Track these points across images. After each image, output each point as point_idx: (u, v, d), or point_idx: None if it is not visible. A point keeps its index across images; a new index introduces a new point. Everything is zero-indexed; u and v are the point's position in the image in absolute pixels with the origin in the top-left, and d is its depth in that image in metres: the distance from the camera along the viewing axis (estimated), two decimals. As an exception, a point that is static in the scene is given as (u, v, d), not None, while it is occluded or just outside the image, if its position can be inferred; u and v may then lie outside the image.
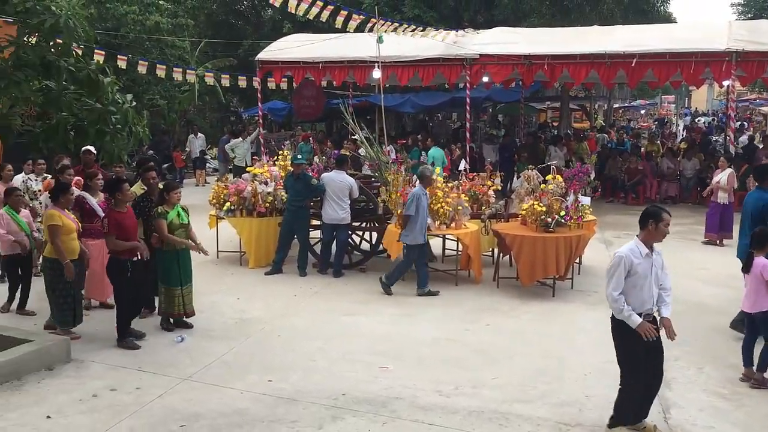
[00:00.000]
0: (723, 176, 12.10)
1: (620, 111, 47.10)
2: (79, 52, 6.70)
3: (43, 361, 6.52)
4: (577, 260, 9.95)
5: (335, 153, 13.76)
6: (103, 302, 8.39)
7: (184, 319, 7.80)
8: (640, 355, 5.20)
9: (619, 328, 5.27)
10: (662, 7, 26.14)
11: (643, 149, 20.37)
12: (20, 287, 8.33)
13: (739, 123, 29.60)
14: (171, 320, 7.78)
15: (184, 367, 6.70)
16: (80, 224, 7.70)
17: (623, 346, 5.30)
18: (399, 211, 9.46)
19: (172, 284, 7.57)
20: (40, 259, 9.85)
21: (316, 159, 12.89)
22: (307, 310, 8.68)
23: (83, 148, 9.45)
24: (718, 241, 12.19)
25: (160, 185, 8.12)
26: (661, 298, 5.29)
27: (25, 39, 6.36)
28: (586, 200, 9.94)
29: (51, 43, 6.39)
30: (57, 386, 6.20)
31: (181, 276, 7.61)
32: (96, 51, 16.17)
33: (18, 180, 9.78)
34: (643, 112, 54.10)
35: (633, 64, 14.33)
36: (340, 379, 6.44)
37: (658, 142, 22.00)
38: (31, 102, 6.78)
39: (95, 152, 9.87)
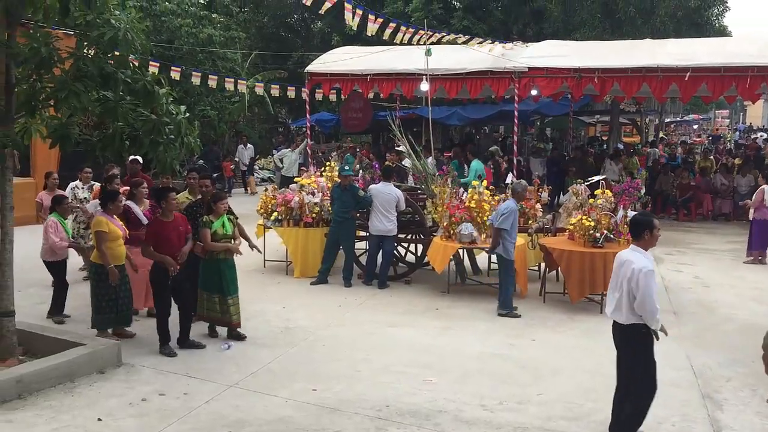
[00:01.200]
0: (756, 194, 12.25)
1: (672, 126, 46.21)
2: (136, 63, 6.85)
3: (95, 364, 6.68)
4: (626, 277, 9.75)
5: (376, 165, 13.82)
6: (151, 309, 8.48)
7: (231, 330, 7.84)
8: (652, 362, 5.29)
9: (643, 339, 5.25)
10: (717, 21, 25.56)
11: (696, 165, 19.95)
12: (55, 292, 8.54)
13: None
14: (215, 327, 7.87)
15: (230, 374, 6.79)
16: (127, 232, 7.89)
17: (646, 358, 5.28)
18: (485, 223, 9.39)
19: (212, 290, 7.68)
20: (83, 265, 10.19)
21: (357, 167, 12.94)
22: (352, 320, 8.72)
23: (130, 158, 9.67)
24: (759, 258, 12.06)
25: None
26: None
27: (84, 51, 6.54)
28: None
29: (109, 55, 6.56)
30: (108, 389, 6.35)
31: (224, 286, 7.66)
32: (151, 63, 16.59)
33: (70, 187, 10.10)
34: (696, 126, 52.98)
35: (686, 78, 14.04)
36: (384, 390, 6.44)
37: (712, 157, 21.50)
38: (89, 112, 6.96)
39: (141, 161, 10.13)
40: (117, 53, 6.54)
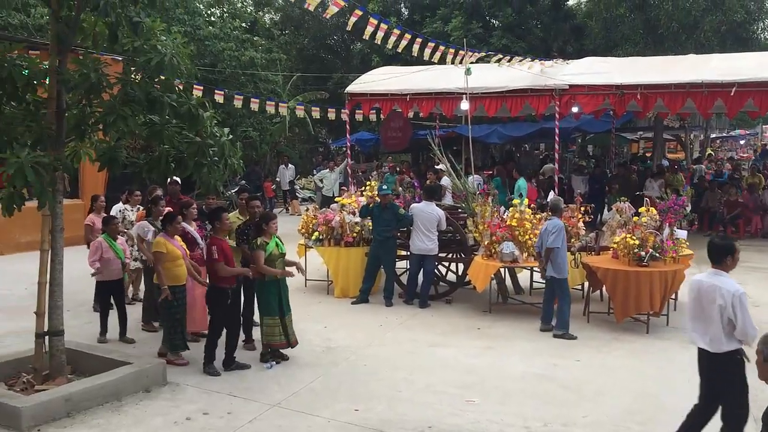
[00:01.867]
0: None
1: (718, 141, 45.27)
2: (181, 87, 7.00)
3: (141, 383, 6.79)
4: (673, 296, 9.57)
5: (416, 183, 13.83)
6: (195, 332, 8.51)
7: (287, 349, 7.81)
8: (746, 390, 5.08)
9: (740, 366, 5.06)
10: (763, 35, 25.09)
11: (743, 181, 19.50)
12: (118, 316, 8.57)
13: None
14: (270, 350, 7.79)
15: (273, 393, 6.82)
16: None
17: (743, 383, 5.08)
18: (527, 242, 9.39)
19: (273, 314, 7.60)
20: (130, 288, 10.34)
21: (400, 189, 12.96)
22: (393, 340, 8.70)
23: (168, 179, 9.82)
24: None
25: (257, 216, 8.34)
26: None
27: (131, 76, 6.72)
28: (682, 234, 9.59)
29: (155, 80, 6.72)
30: (154, 408, 6.43)
31: (282, 306, 7.65)
32: (195, 86, 16.94)
33: (115, 210, 10.27)
34: (742, 142, 51.77)
35: (732, 93, 13.77)
36: (426, 410, 6.40)
37: (760, 174, 20.98)
38: (136, 135, 7.14)
39: (180, 183, 10.29)
40: (163, 78, 6.71)
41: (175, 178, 9.59)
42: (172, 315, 7.58)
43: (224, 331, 7.51)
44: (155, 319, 8.90)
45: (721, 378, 5.13)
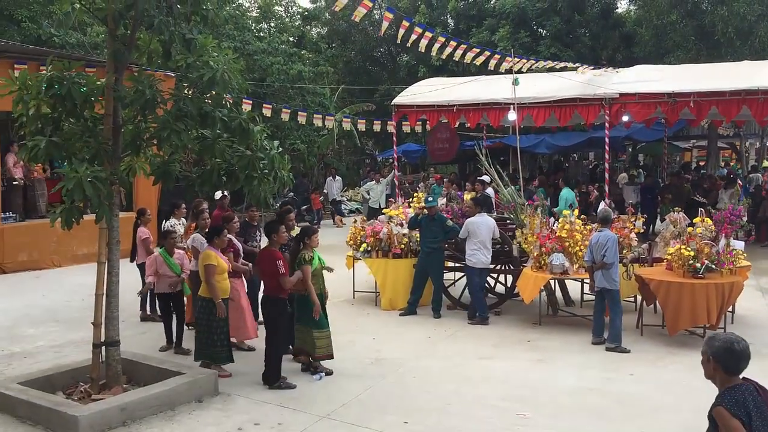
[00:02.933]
0: None
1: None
2: (230, 101, 7.13)
3: (193, 393, 6.89)
4: (730, 309, 9.30)
5: (461, 194, 13.77)
6: (239, 343, 8.60)
7: (322, 362, 7.81)
8: None
9: None
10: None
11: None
12: (176, 326, 8.69)
13: None
14: (312, 360, 7.81)
15: (323, 404, 6.85)
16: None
17: None
18: (577, 254, 9.30)
19: (321, 327, 7.65)
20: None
21: (443, 201, 12.89)
22: (442, 352, 8.65)
23: (218, 194, 9.94)
24: None
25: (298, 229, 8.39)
26: None
27: (186, 92, 6.88)
28: (739, 244, 9.33)
29: (207, 95, 6.87)
30: (206, 418, 6.52)
31: (323, 319, 7.69)
32: (244, 100, 17.24)
33: (166, 225, 10.37)
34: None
35: (790, 100, 13.40)
36: (477, 424, 6.34)
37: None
38: (188, 149, 7.30)
39: (229, 195, 10.42)
40: (214, 93, 6.85)
41: (224, 192, 9.73)
42: (212, 327, 7.61)
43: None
44: None
45: None
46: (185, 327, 8.80)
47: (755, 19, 21.47)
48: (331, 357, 7.81)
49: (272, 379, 7.34)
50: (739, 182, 19.60)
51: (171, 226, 9.98)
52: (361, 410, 6.72)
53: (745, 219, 10.38)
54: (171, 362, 7.66)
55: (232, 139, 7.00)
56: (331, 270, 8.19)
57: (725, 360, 3.66)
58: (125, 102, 6.67)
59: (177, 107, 6.73)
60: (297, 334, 7.83)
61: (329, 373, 7.76)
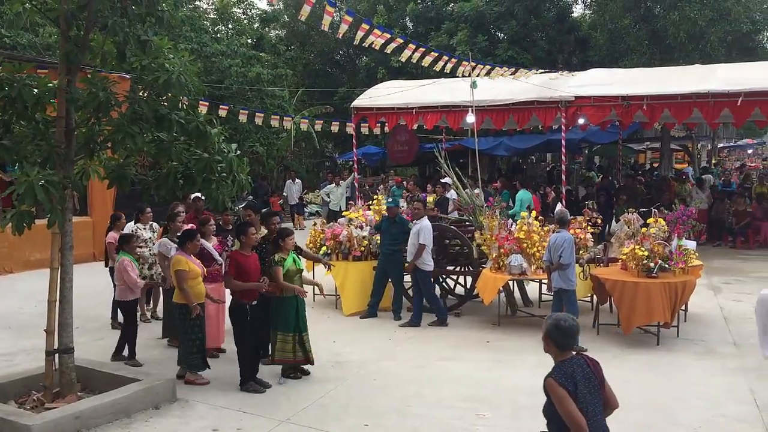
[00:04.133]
0: None
1: (725, 151, 45.20)
2: (186, 102, 7.03)
3: (150, 400, 6.78)
4: (684, 307, 9.52)
5: (424, 196, 13.82)
6: (214, 348, 8.49)
7: (303, 366, 7.77)
8: None
9: None
10: (769, 44, 25.15)
11: (752, 191, 19.41)
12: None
13: None
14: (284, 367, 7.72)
15: (283, 408, 6.80)
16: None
17: None
18: (535, 255, 9.34)
19: (289, 330, 7.56)
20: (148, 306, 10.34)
21: (404, 203, 12.92)
22: (402, 354, 8.67)
23: (193, 196, 9.81)
24: None
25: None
26: None
27: (140, 94, 6.77)
28: (691, 244, 9.55)
29: (163, 98, 6.77)
30: (163, 425, 6.42)
31: (299, 323, 7.60)
32: (200, 102, 17.02)
33: (127, 228, 10.14)
34: (750, 151, 51.70)
35: (739, 103, 13.75)
36: (437, 425, 6.37)
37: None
38: (144, 152, 7.18)
39: (204, 199, 10.27)
40: (171, 95, 6.75)
41: (198, 194, 9.58)
42: (189, 334, 7.53)
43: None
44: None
45: None
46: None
47: (706, 24, 22.05)
48: (313, 361, 7.77)
49: (242, 380, 7.35)
50: (691, 182, 20.11)
51: (133, 231, 9.78)
52: (322, 413, 6.69)
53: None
54: (128, 369, 7.54)
55: (189, 142, 6.92)
56: (305, 293, 7.89)
57: (555, 337, 3.99)
58: (78, 104, 6.54)
59: (132, 110, 6.62)
60: (278, 345, 7.59)
61: (306, 373, 7.77)
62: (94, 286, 9.61)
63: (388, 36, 14.14)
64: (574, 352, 4.02)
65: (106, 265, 9.97)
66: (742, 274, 13.25)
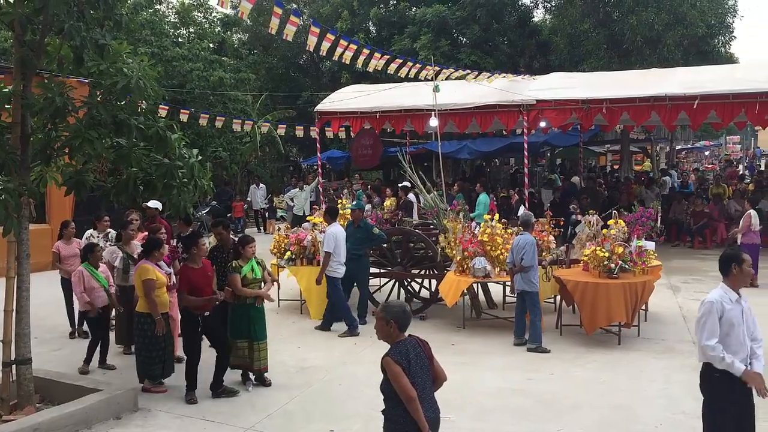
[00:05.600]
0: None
1: (683, 153, 46.11)
2: (144, 105, 6.94)
3: (111, 410, 6.67)
4: (644, 307, 9.69)
5: (379, 200, 13.88)
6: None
7: (255, 375, 7.69)
8: (728, 417, 4.82)
9: (711, 383, 4.88)
10: (723, 48, 25.66)
11: (709, 192, 19.86)
12: (101, 343, 8.31)
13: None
14: (247, 374, 7.65)
15: (247, 416, 6.74)
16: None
17: (713, 406, 4.90)
18: (499, 257, 9.40)
19: (238, 337, 7.50)
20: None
21: (368, 207, 12.95)
22: (368, 358, 8.65)
23: (144, 204, 9.65)
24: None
25: (235, 239, 8.24)
26: (753, 351, 4.86)
27: (98, 99, 6.66)
28: (650, 245, 9.72)
29: (122, 103, 6.68)
30: (125, 435, 6.32)
31: (252, 331, 7.50)
32: (160, 106, 16.82)
33: (85, 236, 9.92)
34: (707, 153, 52.86)
35: (695, 106, 14.06)
36: (402, 429, 6.37)
37: (724, 184, 21.41)
38: (103, 158, 7.07)
39: (156, 207, 10.12)
40: (129, 100, 6.66)
41: (150, 203, 9.46)
42: (150, 344, 7.38)
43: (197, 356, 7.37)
44: (133, 342, 8.72)
45: (703, 396, 5.05)
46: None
47: (663, 28, 22.48)
48: (265, 370, 7.70)
49: (188, 387, 7.23)
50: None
51: (87, 238, 9.61)
52: (287, 420, 6.65)
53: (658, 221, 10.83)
54: (88, 379, 7.41)
55: (149, 148, 6.83)
56: (270, 298, 7.90)
57: (401, 320, 4.44)
58: (34, 110, 6.42)
59: (90, 115, 6.52)
60: (233, 350, 7.54)
61: (268, 383, 7.66)
62: (52, 296, 9.39)
63: (355, 48, 14.18)
64: (407, 334, 4.49)
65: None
66: (700, 273, 13.53)
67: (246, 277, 7.45)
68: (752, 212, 12.40)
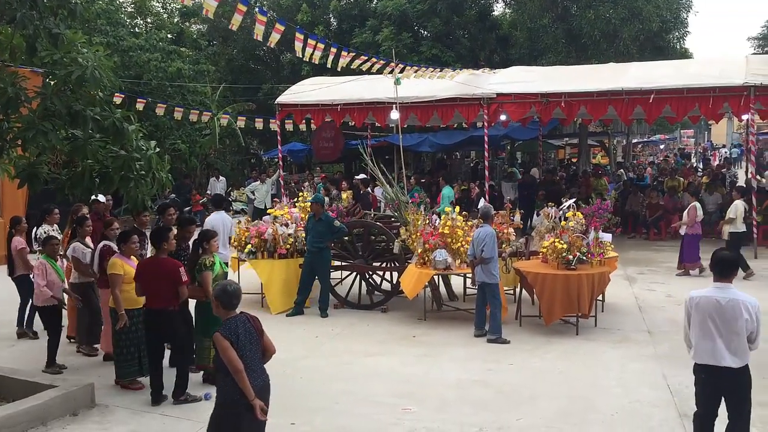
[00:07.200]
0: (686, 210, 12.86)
1: (639, 146, 47.00)
2: (101, 95, 6.79)
3: (68, 406, 6.55)
4: (600, 297, 9.87)
5: (337, 193, 13.86)
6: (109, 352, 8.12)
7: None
8: None
9: (749, 374, 5.10)
10: (678, 43, 26.16)
11: (664, 184, 20.26)
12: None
13: None
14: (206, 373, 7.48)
15: (206, 411, 6.60)
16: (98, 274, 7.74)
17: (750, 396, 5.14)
18: (459, 250, 9.43)
19: (209, 335, 7.33)
20: None
21: (327, 199, 12.91)
22: (329, 351, 8.66)
23: (92, 198, 9.42)
24: (691, 271, 12.66)
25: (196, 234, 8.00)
26: None
27: (52, 89, 6.52)
28: (607, 237, 9.90)
29: (77, 93, 6.54)
30: (81, 432, 6.22)
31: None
32: (116, 94, 16.47)
33: (39, 231, 9.61)
34: (662, 146, 53.97)
35: (650, 101, 14.33)
36: (364, 421, 6.40)
37: (679, 177, 21.88)
38: (57, 150, 6.92)
39: (103, 201, 9.91)
40: (85, 90, 6.53)
41: (98, 197, 9.26)
42: (124, 341, 7.21)
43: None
44: (94, 341, 8.57)
45: (742, 393, 5.08)
46: (68, 340, 8.27)
47: (619, 23, 22.81)
48: None
49: (157, 395, 6.98)
50: (607, 177, 20.83)
51: (45, 233, 9.32)
52: (248, 414, 6.60)
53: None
54: (43, 375, 7.25)
55: (105, 140, 6.71)
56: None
57: (223, 299, 4.84)
58: (-15, 100, 6.24)
59: (44, 106, 6.38)
60: (203, 352, 7.38)
61: None
62: (6, 291, 9.16)
63: (322, 46, 14.12)
64: (237, 311, 4.89)
65: (11, 274, 9.28)
66: (654, 265, 13.82)
67: (218, 273, 7.26)
68: (697, 204, 12.76)
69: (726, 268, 5.10)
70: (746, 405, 5.10)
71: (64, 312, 8.28)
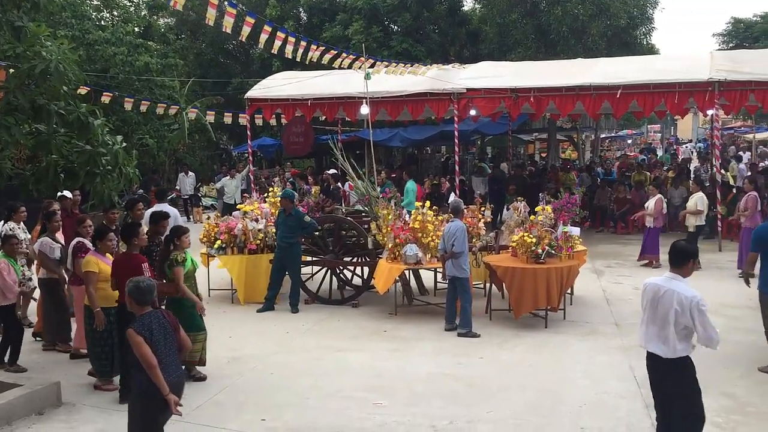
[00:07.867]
0: (651, 202, 13.01)
1: (607, 141, 47.54)
2: (65, 89, 6.67)
3: (33, 405, 6.45)
4: (569, 291, 9.98)
5: (308, 188, 13.81)
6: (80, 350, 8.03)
7: (197, 367, 7.48)
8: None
9: (692, 369, 5.10)
10: (645, 39, 26.51)
11: (631, 179, 20.51)
12: (7, 340, 7.85)
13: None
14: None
15: (177, 408, 6.62)
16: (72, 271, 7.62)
17: (696, 386, 5.14)
18: (430, 245, 9.47)
19: (201, 330, 7.33)
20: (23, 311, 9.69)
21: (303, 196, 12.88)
22: (300, 347, 8.65)
23: (59, 194, 9.25)
24: (653, 262, 12.85)
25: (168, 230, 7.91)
26: None
27: (15, 83, 6.39)
28: (575, 230, 10.00)
29: (41, 87, 6.42)
30: (47, 431, 6.12)
31: (195, 323, 7.28)
32: (81, 86, 16.17)
33: (4, 229, 9.40)
34: (630, 141, 54.67)
35: (618, 96, 14.50)
36: (335, 416, 6.41)
37: (646, 171, 22.17)
38: (21, 145, 6.79)
39: (69, 196, 9.73)
40: (49, 84, 6.41)
41: (65, 192, 9.10)
42: (98, 340, 7.09)
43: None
44: (65, 338, 8.42)
45: (675, 383, 5.10)
46: (33, 338, 8.11)
47: (587, 19, 23.05)
48: (204, 363, 7.51)
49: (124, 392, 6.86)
50: (576, 172, 21.03)
51: (10, 230, 9.10)
52: (218, 410, 6.58)
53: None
54: (6, 374, 7.12)
55: (70, 134, 6.61)
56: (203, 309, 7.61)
57: (136, 295, 4.89)
58: (-55, 94, 6.11)
59: (6, 100, 6.26)
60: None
61: (203, 378, 7.41)
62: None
63: (283, 36, 14.03)
64: (151, 307, 4.93)
65: None
66: (622, 258, 14.02)
67: (189, 270, 7.23)
68: (661, 196, 13.09)
69: (678, 257, 5.15)
70: (675, 402, 5.08)
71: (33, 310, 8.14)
